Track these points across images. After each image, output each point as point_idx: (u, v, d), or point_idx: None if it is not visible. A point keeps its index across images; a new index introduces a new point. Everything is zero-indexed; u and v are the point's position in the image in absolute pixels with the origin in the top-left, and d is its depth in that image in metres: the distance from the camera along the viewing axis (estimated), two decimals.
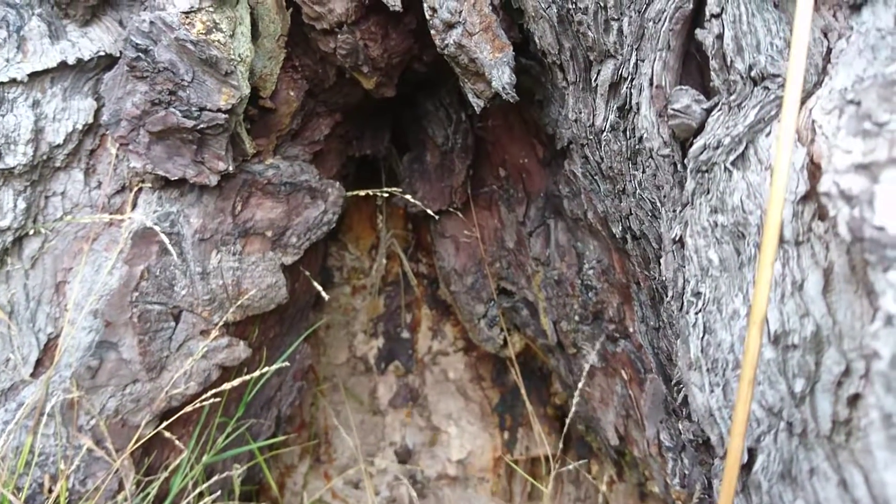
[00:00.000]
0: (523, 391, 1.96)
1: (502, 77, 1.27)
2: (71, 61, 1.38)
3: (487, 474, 2.13)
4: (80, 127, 1.42)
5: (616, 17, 1.01)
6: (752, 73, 0.77)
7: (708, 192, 0.78)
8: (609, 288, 1.51)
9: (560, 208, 1.62)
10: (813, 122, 0.68)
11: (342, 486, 2.13)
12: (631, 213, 1.16)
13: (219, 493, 1.67)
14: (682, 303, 0.82)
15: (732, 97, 0.79)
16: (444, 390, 2.19)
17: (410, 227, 2.21)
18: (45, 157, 1.40)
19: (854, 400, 0.60)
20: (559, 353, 1.78)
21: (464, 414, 2.17)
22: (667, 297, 1.19)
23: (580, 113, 1.22)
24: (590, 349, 1.61)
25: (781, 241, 0.68)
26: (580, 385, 1.55)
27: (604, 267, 1.51)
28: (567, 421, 1.65)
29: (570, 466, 2.01)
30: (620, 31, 1.01)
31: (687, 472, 1.35)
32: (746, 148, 0.76)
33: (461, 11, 1.27)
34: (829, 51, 0.74)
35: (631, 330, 1.50)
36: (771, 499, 0.65)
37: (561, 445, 2.06)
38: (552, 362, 1.86)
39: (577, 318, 1.60)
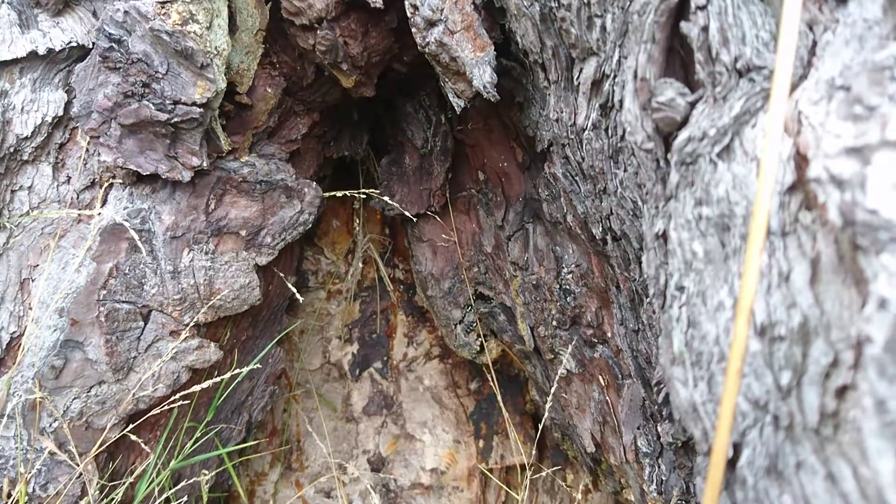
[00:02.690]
0: (499, 398, 1.94)
1: (483, 76, 1.26)
2: (41, 51, 1.34)
3: (462, 483, 2.10)
4: (49, 119, 1.39)
5: (599, 14, 1.00)
6: (738, 65, 0.76)
7: (692, 185, 0.77)
8: (587, 292, 1.50)
9: (539, 212, 1.61)
10: (799, 113, 0.68)
11: (314, 495, 2.08)
12: (612, 213, 1.15)
13: (185, 499, 1.62)
14: (665, 298, 0.81)
15: (717, 89, 0.78)
16: (419, 398, 2.16)
17: (387, 231, 2.19)
18: (11, 150, 1.36)
19: (842, 392, 0.59)
20: (536, 360, 1.77)
21: (438, 422, 2.14)
22: (647, 297, 1.18)
23: (561, 112, 1.21)
24: (567, 355, 1.59)
25: (768, 232, 0.67)
26: (552, 389, 1.54)
27: (582, 271, 1.50)
28: (541, 425, 1.63)
29: (545, 473, 1.99)
30: (604, 27, 1.01)
31: (664, 478, 1.34)
32: (732, 140, 0.75)
33: (443, 9, 1.26)
34: (815, 44, 0.74)
35: (609, 335, 1.49)
36: (756, 494, 0.64)
37: (536, 453, 2.05)
38: (529, 368, 1.84)
39: (554, 323, 1.59)
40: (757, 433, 0.65)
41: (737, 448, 0.67)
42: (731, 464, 0.67)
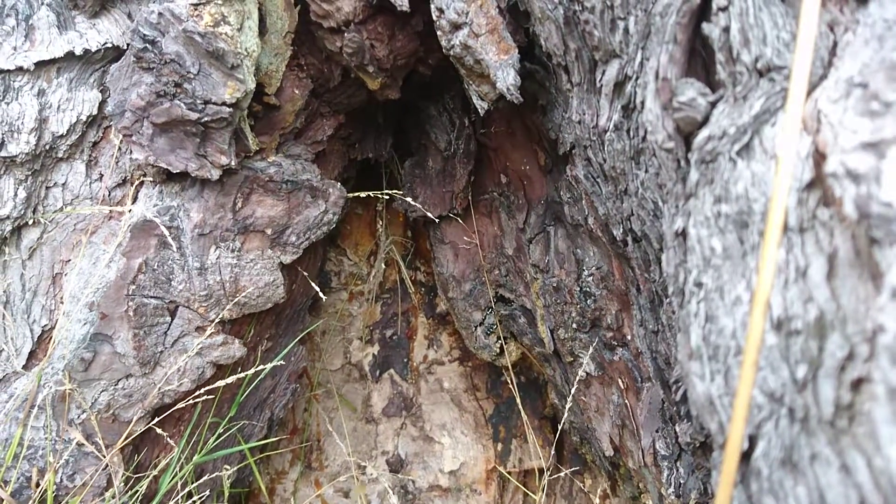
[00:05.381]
0: (518, 401, 1.95)
1: (507, 78, 1.28)
2: (78, 52, 1.38)
3: (480, 486, 2.11)
4: (83, 118, 1.42)
5: (622, 16, 1.02)
6: (759, 65, 0.77)
7: (712, 182, 0.78)
8: (608, 295, 1.51)
9: (560, 215, 1.62)
10: (819, 111, 0.69)
11: (332, 495, 2.10)
12: (633, 214, 1.16)
13: (208, 493, 1.65)
14: (684, 295, 0.82)
15: (738, 89, 0.79)
16: (439, 400, 2.18)
17: (409, 234, 2.21)
18: (47, 147, 1.40)
19: (857, 384, 0.60)
20: (556, 362, 1.77)
21: (458, 424, 2.15)
22: (666, 298, 1.19)
23: (584, 114, 1.23)
24: (587, 357, 1.60)
25: (785, 228, 0.68)
26: (572, 391, 1.54)
27: (603, 273, 1.50)
28: (559, 426, 1.63)
29: (563, 474, 1.99)
30: (626, 30, 1.02)
31: (682, 480, 1.34)
32: (751, 138, 0.76)
33: (468, 13, 1.28)
34: (835, 44, 0.75)
35: (629, 338, 1.49)
36: (771, 485, 0.65)
37: (553, 453, 2.05)
38: (548, 372, 1.85)
39: (574, 325, 1.60)
40: (772, 425, 0.66)
41: (752, 440, 0.68)
42: (747, 456, 0.68)
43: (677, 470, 1.36)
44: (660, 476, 1.42)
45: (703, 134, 0.80)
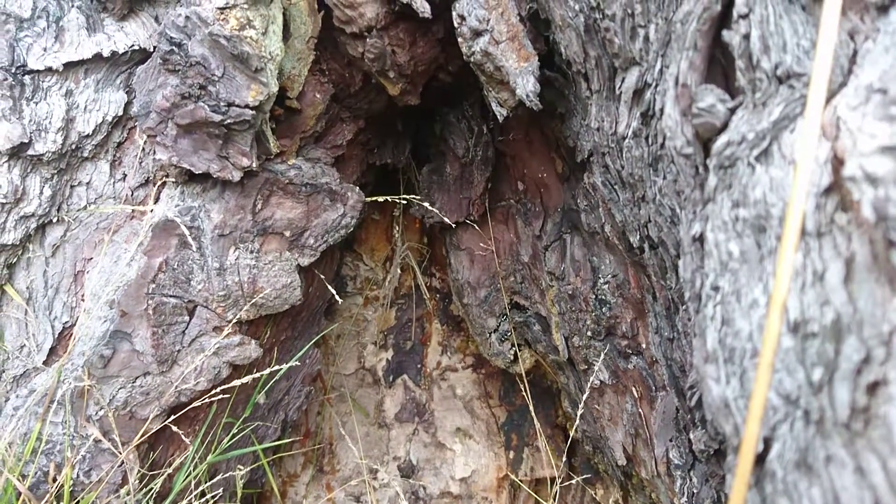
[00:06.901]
0: (531, 409, 1.95)
1: (526, 85, 1.29)
2: (106, 54, 1.41)
3: (491, 494, 2.11)
4: (109, 119, 1.45)
5: (643, 24, 1.03)
6: (778, 72, 0.78)
7: (730, 187, 0.79)
8: (623, 303, 1.51)
9: (577, 223, 1.63)
10: (838, 118, 0.69)
11: (343, 499, 2.11)
12: (650, 221, 1.17)
13: (220, 492, 1.66)
14: (700, 299, 0.82)
15: (757, 95, 0.80)
16: (451, 406, 2.18)
17: (426, 240, 2.23)
18: (73, 147, 1.43)
19: (873, 387, 0.60)
20: (570, 370, 1.78)
21: (470, 431, 2.16)
22: (682, 305, 1.19)
23: (603, 121, 1.24)
24: (601, 365, 1.60)
25: (803, 232, 0.69)
26: (585, 398, 1.55)
27: (619, 281, 1.51)
28: (571, 433, 1.63)
29: (574, 482, 1.99)
30: (647, 37, 1.03)
31: (695, 490, 1.34)
32: (770, 144, 0.77)
33: (489, 20, 1.30)
34: (855, 53, 0.75)
35: (643, 346, 1.50)
36: (786, 487, 0.65)
37: (566, 460, 2.04)
38: (562, 380, 1.85)
39: (589, 333, 1.60)
40: (787, 428, 0.66)
41: (767, 442, 0.68)
42: (761, 459, 0.69)
43: (690, 479, 1.36)
44: (673, 486, 1.41)
45: (722, 139, 0.81)
